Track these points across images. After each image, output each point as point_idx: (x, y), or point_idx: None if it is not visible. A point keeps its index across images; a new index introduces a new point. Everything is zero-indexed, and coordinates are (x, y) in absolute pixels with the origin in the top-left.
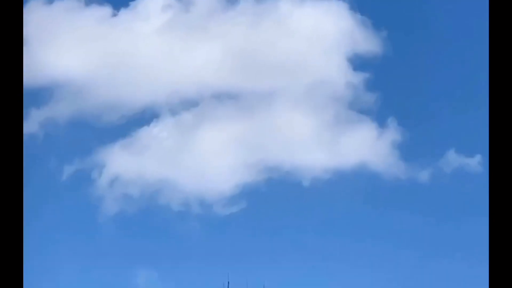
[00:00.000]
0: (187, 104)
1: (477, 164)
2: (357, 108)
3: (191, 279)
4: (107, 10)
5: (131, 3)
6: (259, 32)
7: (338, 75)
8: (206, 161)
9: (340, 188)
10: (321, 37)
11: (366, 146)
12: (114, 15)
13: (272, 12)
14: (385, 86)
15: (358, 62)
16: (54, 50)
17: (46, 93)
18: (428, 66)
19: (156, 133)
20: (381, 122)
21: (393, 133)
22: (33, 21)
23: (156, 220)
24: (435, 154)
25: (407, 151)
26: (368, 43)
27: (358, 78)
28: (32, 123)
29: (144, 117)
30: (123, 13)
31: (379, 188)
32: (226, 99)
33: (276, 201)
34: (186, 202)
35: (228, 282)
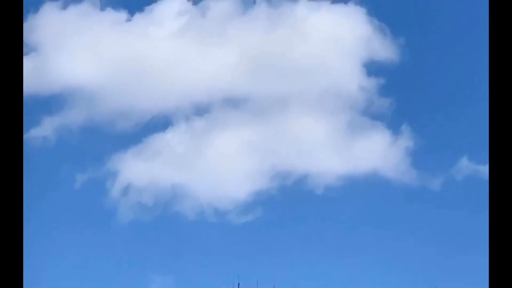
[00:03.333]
0: (202, 110)
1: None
2: (371, 114)
3: (206, 285)
4: (122, 14)
5: (146, 8)
6: (274, 37)
7: (353, 80)
8: (220, 168)
9: (352, 196)
10: (337, 42)
11: (380, 153)
12: (129, 20)
13: (288, 17)
14: (400, 93)
15: (374, 68)
16: (68, 56)
17: (59, 100)
18: (443, 74)
19: (171, 140)
20: (395, 129)
21: (406, 140)
22: (47, 26)
23: (170, 228)
24: (448, 161)
25: (420, 158)
26: (384, 49)
27: (373, 84)
28: (45, 130)
29: (159, 123)
30: (138, 18)
31: (390, 195)
32: (240, 104)
33: (290, 209)
34: (201, 210)
35: (239, 284)
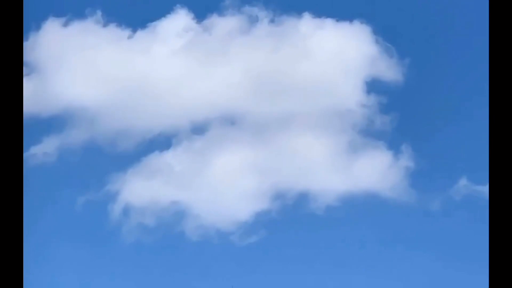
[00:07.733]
0: (204, 129)
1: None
2: (372, 134)
3: None
4: (124, 31)
5: (150, 24)
6: (278, 55)
7: (356, 100)
8: (222, 187)
9: (352, 217)
10: (341, 60)
11: (380, 172)
12: (130, 37)
13: (292, 34)
14: (403, 114)
15: (377, 88)
16: (69, 75)
17: (60, 120)
18: (445, 95)
19: (174, 160)
20: (395, 149)
21: (406, 160)
22: (49, 45)
23: (174, 250)
24: (447, 181)
25: (420, 178)
26: (389, 69)
27: (375, 104)
28: (46, 150)
29: (160, 143)
30: (140, 35)
31: (389, 216)
32: (242, 122)
33: (293, 230)
34: (204, 231)
35: None
